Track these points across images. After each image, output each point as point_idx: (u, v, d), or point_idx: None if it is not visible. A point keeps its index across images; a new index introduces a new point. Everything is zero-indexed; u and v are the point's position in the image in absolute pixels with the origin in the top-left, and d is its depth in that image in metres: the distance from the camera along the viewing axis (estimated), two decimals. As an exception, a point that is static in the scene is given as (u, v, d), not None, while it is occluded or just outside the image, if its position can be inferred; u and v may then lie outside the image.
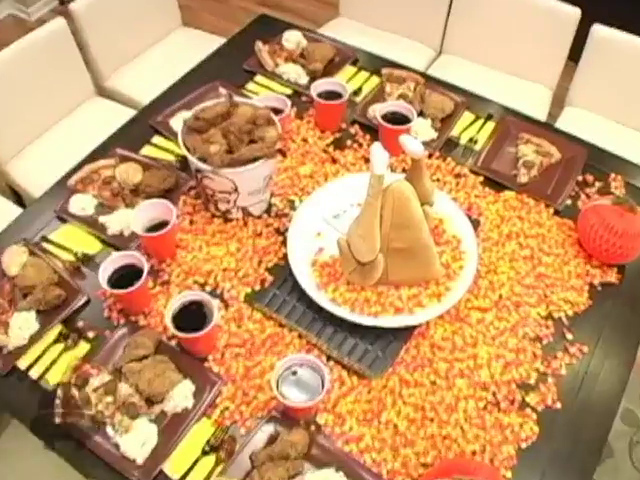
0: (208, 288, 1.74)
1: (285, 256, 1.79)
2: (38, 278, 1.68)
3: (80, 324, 1.66)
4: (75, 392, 1.48)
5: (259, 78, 2.38)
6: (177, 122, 2.08)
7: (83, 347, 1.61)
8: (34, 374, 1.56)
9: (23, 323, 1.62)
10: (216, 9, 4.67)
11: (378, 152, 1.53)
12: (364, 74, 2.41)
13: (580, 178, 2.08)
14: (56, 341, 1.62)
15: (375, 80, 2.36)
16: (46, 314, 1.65)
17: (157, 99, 2.29)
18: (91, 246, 1.83)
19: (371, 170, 1.53)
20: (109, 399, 1.46)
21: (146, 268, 1.58)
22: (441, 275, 1.73)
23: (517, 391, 1.57)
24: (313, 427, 1.48)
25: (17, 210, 2.31)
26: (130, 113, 2.47)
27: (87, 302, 1.70)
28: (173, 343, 1.61)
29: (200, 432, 1.47)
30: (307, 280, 1.72)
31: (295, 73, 2.36)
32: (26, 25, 4.40)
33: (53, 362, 1.58)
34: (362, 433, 1.49)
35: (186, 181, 1.95)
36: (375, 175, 1.54)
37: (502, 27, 2.88)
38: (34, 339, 1.61)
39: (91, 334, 1.64)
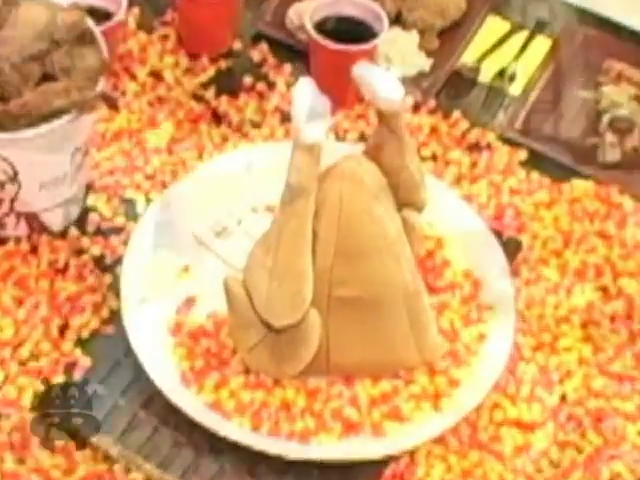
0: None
1: (117, 316, 1.26)
2: None
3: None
4: None
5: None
6: None
7: None
8: None
9: None
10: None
11: (308, 98, 1.08)
12: None
13: None
14: None
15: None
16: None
17: None
18: None
19: (293, 137, 1.09)
20: None
21: None
22: (439, 355, 1.24)
23: None
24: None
25: None
26: None
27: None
28: None
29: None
30: (163, 367, 1.20)
31: None
32: None
33: None
34: None
35: None
36: (302, 146, 1.08)
37: None
38: None
39: None
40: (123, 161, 1.49)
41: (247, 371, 1.21)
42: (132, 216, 1.41)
